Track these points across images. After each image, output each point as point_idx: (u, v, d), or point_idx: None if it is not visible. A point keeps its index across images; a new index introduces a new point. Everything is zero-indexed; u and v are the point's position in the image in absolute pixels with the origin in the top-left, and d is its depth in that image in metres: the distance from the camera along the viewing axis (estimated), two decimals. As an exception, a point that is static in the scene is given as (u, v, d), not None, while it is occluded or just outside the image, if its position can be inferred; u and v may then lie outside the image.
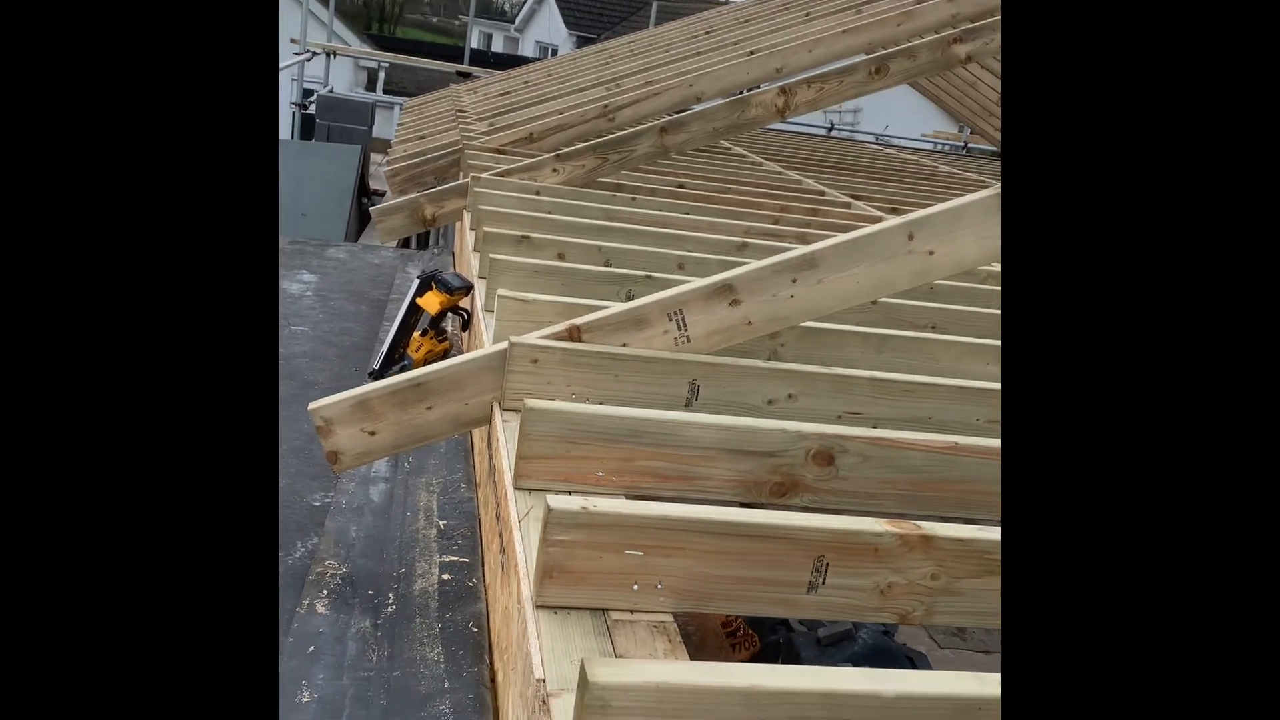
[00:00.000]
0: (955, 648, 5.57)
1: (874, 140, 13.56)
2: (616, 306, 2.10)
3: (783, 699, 1.00)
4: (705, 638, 1.88)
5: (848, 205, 5.29)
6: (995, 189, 2.11)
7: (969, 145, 14.54)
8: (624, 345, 2.06)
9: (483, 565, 1.91)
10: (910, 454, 1.77)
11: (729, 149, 7.37)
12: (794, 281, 2.10)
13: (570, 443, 1.67)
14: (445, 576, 1.84)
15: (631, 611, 1.34)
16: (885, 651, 4.00)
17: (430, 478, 2.28)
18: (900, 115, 15.43)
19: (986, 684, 1.06)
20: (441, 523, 2.07)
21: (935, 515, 1.79)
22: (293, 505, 2.11)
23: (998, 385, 2.22)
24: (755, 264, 2.13)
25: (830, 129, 14.37)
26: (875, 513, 1.82)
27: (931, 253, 2.11)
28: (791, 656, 3.81)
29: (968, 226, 2.10)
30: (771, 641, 4.18)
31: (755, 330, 2.13)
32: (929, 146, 14.12)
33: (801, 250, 2.12)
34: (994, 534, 1.42)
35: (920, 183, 7.10)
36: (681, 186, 5.10)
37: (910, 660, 4.01)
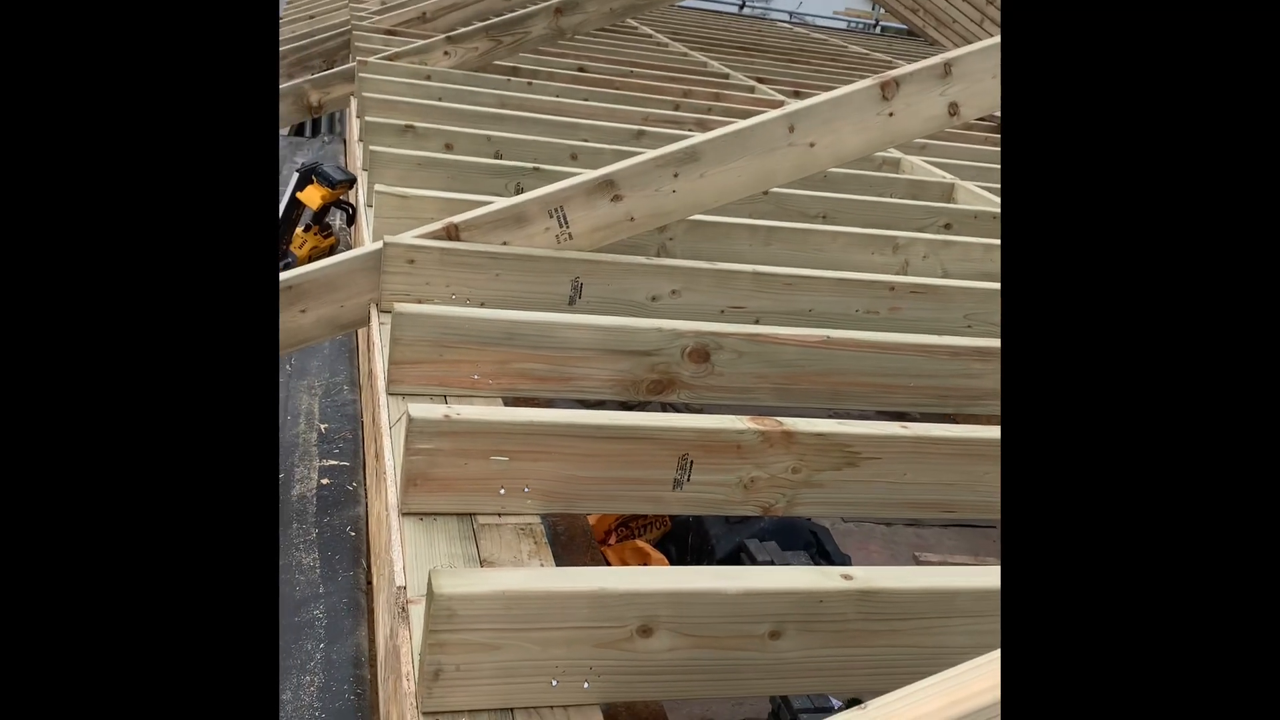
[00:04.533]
0: (859, 520, 5.81)
1: (787, 18, 13.34)
2: (497, 203, 2.05)
3: (630, 600, 1.03)
4: (574, 536, 1.93)
5: (751, 90, 5.22)
6: (874, 79, 2.09)
7: (881, 23, 14.41)
8: (504, 243, 2.02)
9: (364, 469, 1.91)
10: (784, 349, 1.79)
11: (635, 28, 7.17)
12: (676, 176, 2.08)
13: (444, 346, 1.65)
14: (324, 481, 1.83)
15: (499, 515, 1.36)
16: (791, 527, 4.16)
17: (312, 380, 2.25)
18: (814, -10, 15.15)
19: (828, 577, 1.10)
20: (323, 426, 2.05)
21: (809, 407, 1.83)
22: (167, 413, 2.06)
23: (877, 276, 2.25)
24: (637, 158, 2.10)
25: (742, 5, 14.07)
26: (751, 407, 1.86)
27: (813, 145, 2.10)
28: (701, 534, 3.94)
29: (847, 117, 2.09)
30: (682, 520, 4.31)
31: (638, 226, 2.12)
32: (842, 25, 13.96)
33: (683, 144, 2.09)
34: (853, 427, 1.46)
35: (827, 64, 7.04)
36: (582, 70, 4.96)
37: (814, 534, 4.18)
